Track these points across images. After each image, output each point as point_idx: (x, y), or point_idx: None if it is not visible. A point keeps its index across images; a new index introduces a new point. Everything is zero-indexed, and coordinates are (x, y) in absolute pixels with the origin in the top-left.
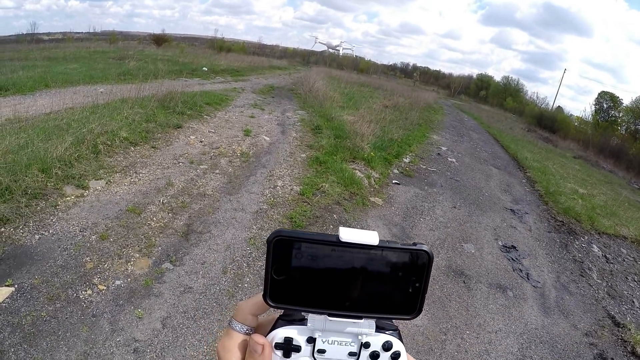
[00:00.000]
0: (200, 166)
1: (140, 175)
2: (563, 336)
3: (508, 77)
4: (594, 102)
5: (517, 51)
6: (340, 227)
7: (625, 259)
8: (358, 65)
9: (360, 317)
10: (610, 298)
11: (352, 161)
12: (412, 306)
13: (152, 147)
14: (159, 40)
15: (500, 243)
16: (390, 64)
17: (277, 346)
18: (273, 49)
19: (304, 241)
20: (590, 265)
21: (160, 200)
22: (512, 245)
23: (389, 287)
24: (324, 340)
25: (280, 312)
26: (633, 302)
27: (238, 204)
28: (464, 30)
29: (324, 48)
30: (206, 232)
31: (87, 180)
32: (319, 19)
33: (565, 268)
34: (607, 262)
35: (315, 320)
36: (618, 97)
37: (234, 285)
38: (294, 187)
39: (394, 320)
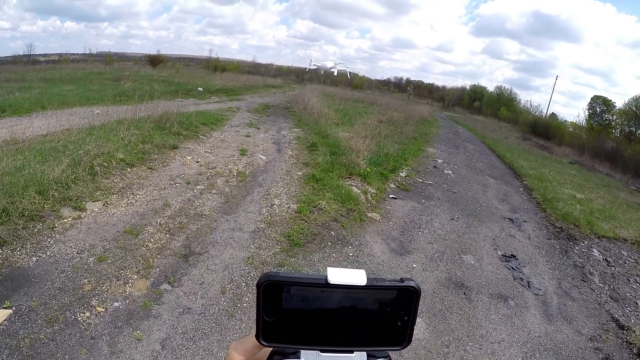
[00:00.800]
0: (197, 186)
1: (137, 196)
2: (567, 342)
3: (501, 86)
4: (587, 107)
5: (509, 61)
6: (328, 268)
7: (627, 261)
8: (352, 82)
9: (351, 351)
10: (613, 301)
11: (348, 177)
12: (401, 337)
13: (149, 168)
14: (155, 60)
15: (499, 253)
16: (383, 79)
17: None
18: (267, 67)
19: (293, 284)
20: (591, 270)
21: (157, 222)
22: (512, 254)
23: (378, 321)
24: None
25: None
26: (636, 303)
27: (235, 224)
28: (456, 43)
29: (320, 69)
30: (204, 253)
31: (84, 202)
32: (312, 36)
33: (566, 274)
34: (608, 265)
35: (308, 355)
36: (611, 101)
37: (233, 305)
38: (291, 205)
39: None
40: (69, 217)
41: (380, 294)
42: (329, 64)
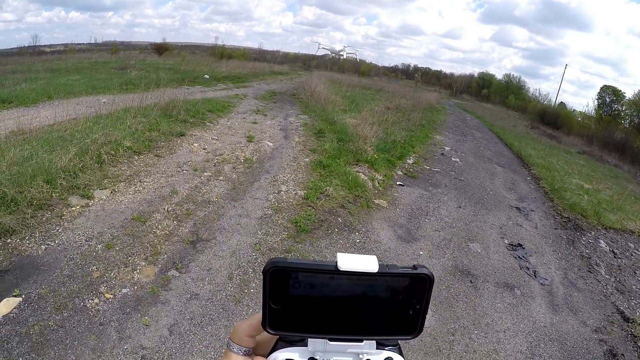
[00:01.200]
0: (204, 173)
1: (145, 184)
2: (572, 333)
3: (509, 74)
4: (596, 97)
5: (518, 48)
6: (338, 254)
7: (633, 254)
8: (359, 68)
9: (361, 340)
10: (619, 293)
11: (355, 164)
12: (412, 326)
13: (156, 155)
14: (160, 49)
15: (506, 241)
16: (391, 65)
17: None
18: (274, 54)
19: (300, 270)
20: (597, 261)
21: (165, 209)
22: (519, 243)
23: (389, 310)
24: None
25: None
26: None
27: (243, 210)
28: (464, 30)
29: (327, 53)
30: (211, 239)
31: (91, 190)
32: (318, 23)
33: (572, 264)
34: (614, 257)
35: (315, 342)
36: (620, 91)
37: (240, 291)
38: (298, 191)
39: None
40: (77, 205)
41: (392, 282)
42: (337, 47)
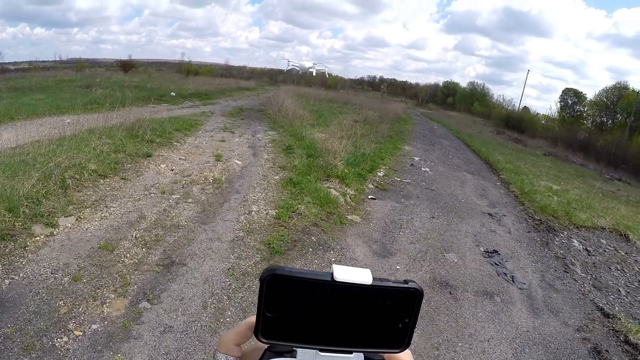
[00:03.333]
0: (173, 196)
1: (111, 209)
2: (555, 335)
3: (473, 82)
4: (558, 100)
5: (481, 56)
6: (334, 265)
7: (606, 249)
8: (326, 82)
9: (350, 352)
10: (597, 290)
11: (326, 180)
12: (400, 340)
13: (122, 178)
14: (126, 66)
15: (481, 249)
16: (357, 78)
17: None
18: (241, 70)
19: (297, 280)
20: (572, 260)
21: (133, 235)
22: (494, 250)
23: (379, 322)
24: None
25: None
26: (619, 291)
27: (213, 234)
28: (428, 40)
29: (297, 70)
30: (183, 266)
31: (56, 218)
32: (285, 37)
33: (548, 266)
34: (588, 255)
35: (305, 353)
36: (582, 93)
37: (216, 320)
38: (270, 211)
39: None
40: (41, 234)
41: (383, 295)
42: (307, 64)
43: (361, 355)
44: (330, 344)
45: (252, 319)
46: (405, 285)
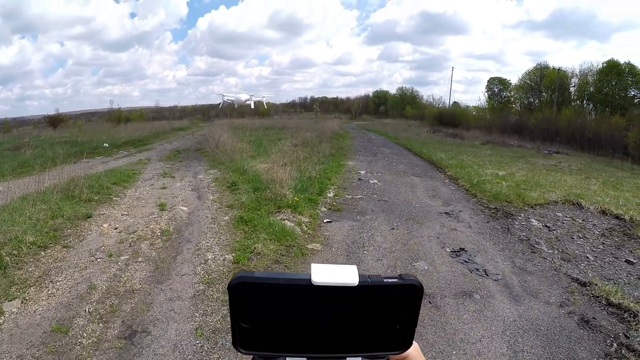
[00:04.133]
0: (121, 257)
1: (57, 283)
2: (541, 317)
3: (402, 87)
4: (485, 90)
5: (405, 62)
6: (312, 265)
7: (564, 221)
8: (258, 110)
9: (344, 358)
10: (567, 262)
11: (278, 211)
12: (400, 340)
13: (64, 246)
14: (55, 121)
15: (448, 250)
16: (289, 101)
17: None
18: (172, 110)
19: (270, 286)
20: (536, 240)
21: (85, 310)
22: (460, 248)
23: (374, 324)
24: None
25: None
26: (587, 257)
27: (172, 292)
28: (352, 54)
29: (233, 104)
30: (146, 335)
31: None
32: (211, 71)
33: (515, 251)
34: (549, 230)
35: None
36: (506, 79)
37: None
38: (226, 256)
39: None
40: None
41: (376, 293)
42: (243, 97)
43: (358, 358)
44: (320, 351)
45: None
46: (401, 282)
